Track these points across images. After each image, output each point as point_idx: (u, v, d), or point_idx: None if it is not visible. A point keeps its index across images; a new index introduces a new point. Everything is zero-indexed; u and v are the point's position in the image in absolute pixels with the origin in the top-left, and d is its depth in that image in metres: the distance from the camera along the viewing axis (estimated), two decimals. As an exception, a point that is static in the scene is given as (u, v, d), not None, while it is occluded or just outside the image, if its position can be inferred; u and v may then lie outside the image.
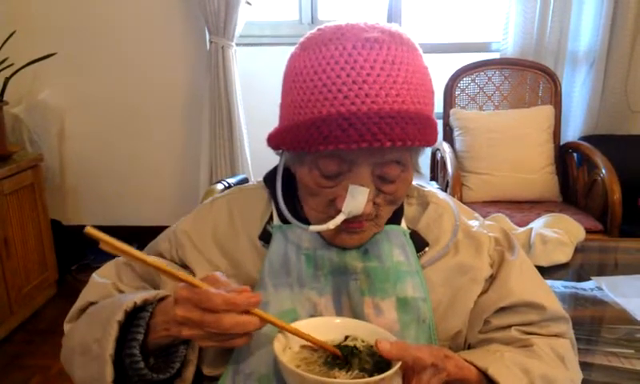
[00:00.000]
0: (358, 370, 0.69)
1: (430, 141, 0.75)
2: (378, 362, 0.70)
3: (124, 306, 0.72)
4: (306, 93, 0.72)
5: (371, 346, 0.72)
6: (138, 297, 0.74)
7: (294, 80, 0.75)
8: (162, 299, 0.75)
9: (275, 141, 0.79)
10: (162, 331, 0.71)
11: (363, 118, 0.68)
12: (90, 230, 0.58)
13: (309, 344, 0.73)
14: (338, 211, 0.75)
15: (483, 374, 0.76)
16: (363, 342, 0.73)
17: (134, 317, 0.73)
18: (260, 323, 0.66)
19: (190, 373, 0.75)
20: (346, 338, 0.74)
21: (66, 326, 0.85)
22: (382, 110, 0.68)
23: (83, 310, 0.85)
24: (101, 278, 0.88)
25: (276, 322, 0.70)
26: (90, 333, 0.75)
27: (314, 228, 0.77)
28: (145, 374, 0.70)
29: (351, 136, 0.68)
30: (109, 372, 0.70)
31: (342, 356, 0.71)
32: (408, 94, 0.70)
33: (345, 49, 0.71)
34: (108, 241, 0.60)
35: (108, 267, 0.90)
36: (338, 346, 0.73)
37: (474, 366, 0.76)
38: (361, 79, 0.69)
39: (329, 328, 0.75)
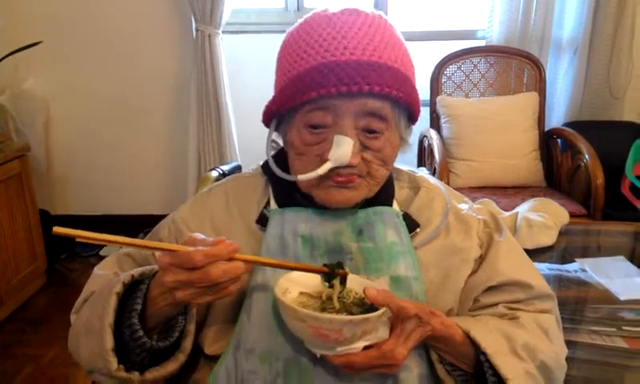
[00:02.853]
0: (347, 314, 0.74)
1: (410, 95, 0.79)
2: (368, 311, 0.74)
3: (122, 280, 0.75)
4: (292, 55, 0.79)
5: (362, 298, 0.77)
6: (136, 270, 0.77)
7: (282, 51, 0.83)
8: (157, 273, 0.77)
9: (267, 112, 0.84)
10: (161, 302, 0.73)
11: (342, 65, 0.74)
12: (57, 229, 0.60)
13: (307, 291, 0.78)
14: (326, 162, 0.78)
15: (467, 336, 0.79)
16: (357, 294, 0.78)
17: (133, 291, 0.75)
18: (245, 266, 0.69)
19: (188, 343, 0.78)
20: (342, 291, 0.78)
21: (72, 317, 0.87)
22: (360, 60, 0.74)
23: (87, 301, 0.86)
24: (102, 271, 0.90)
25: (258, 260, 0.76)
26: (93, 312, 0.77)
27: (302, 176, 0.79)
28: (144, 342, 0.72)
29: (331, 80, 0.74)
30: (108, 339, 0.71)
31: (330, 271, 0.77)
32: (385, 52, 0.76)
33: (327, 16, 0.79)
34: (81, 234, 0.62)
35: (108, 260, 0.92)
36: (325, 265, 0.78)
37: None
38: (340, 35, 0.76)
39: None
